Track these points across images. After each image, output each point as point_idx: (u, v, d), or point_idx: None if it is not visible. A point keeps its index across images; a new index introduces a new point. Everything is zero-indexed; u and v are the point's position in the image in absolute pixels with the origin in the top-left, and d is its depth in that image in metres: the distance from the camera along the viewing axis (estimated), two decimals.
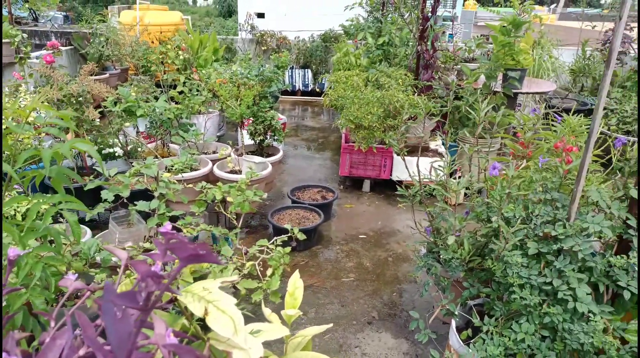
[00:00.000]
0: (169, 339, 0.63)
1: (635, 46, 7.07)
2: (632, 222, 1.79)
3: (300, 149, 6.07)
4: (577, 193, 1.78)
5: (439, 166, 2.02)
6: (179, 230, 2.59)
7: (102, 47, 6.09)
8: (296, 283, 1.16)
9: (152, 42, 6.95)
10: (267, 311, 1.14)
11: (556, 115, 2.15)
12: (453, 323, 2.03)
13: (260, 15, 13.31)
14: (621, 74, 7.26)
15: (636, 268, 1.80)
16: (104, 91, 3.13)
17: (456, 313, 2.06)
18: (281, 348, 1.26)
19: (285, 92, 8.51)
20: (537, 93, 4.67)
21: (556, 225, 1.82)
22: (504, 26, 4.13)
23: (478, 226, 2.21)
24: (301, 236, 2.80)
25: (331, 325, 1.29)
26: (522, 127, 2.21)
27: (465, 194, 2.73)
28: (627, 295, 1.74)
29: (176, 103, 4.23)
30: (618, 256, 1.78)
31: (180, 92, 4.33)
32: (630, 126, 5.31)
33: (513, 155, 2.25)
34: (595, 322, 1.68)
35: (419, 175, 2.09)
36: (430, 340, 2.63)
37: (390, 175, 4.51)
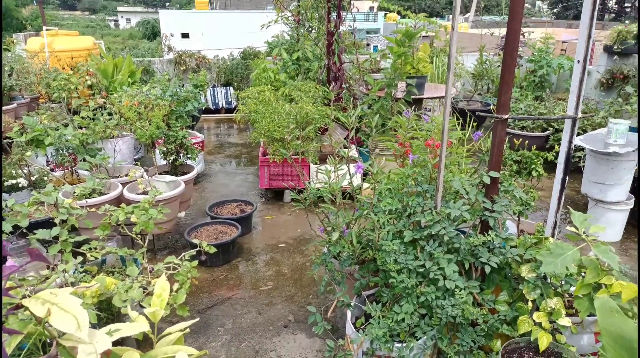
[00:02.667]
0: None
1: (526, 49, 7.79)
2: (488, 205, 2.04)
3: (224, 166, 6.11)
4: (440, 183, 2.00)
5: (321, 170, 2.19)
6: (83, 255, 2.58)
7: (5, 77, 5.85)
8: (163, 286, 1.25)
9: (63, 68, 6.75)
10: (133, 314, 1.22)
11: (425, 116, 2.40)
12: (348, 313, 2.19)
13: (185, 36, 13.25)
14: (519, 75, 7.96)
15: (496, 245, 2.05)
16: None
17: (352, 304, 2.21)
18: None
19: (209, 111, 8.52)
20: (435, 98, 5.04)
21: (425, 213, 2.04)
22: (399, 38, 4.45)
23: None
24: (211, 250, 2.87)
25: (197, 319, 1.38)
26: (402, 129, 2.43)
27: None
28: (487, 269, 1.97)
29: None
30: (478, 236, 2.02)
31: (91, 118, 4.27)
32: (524, 122, 5.85)
33: (394, 155, 2.47)
34: (461, 296, 1.89)
35: (307, 181, 2.25)
36: (342, 335, 2.79)
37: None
